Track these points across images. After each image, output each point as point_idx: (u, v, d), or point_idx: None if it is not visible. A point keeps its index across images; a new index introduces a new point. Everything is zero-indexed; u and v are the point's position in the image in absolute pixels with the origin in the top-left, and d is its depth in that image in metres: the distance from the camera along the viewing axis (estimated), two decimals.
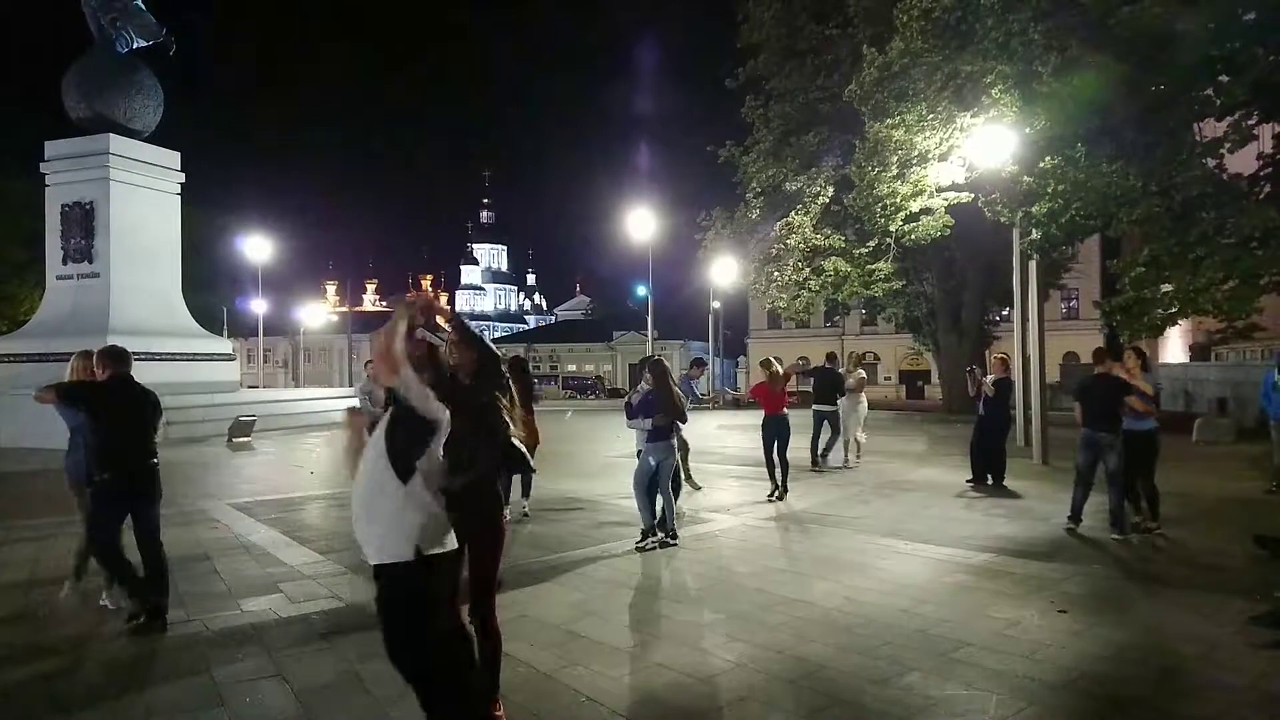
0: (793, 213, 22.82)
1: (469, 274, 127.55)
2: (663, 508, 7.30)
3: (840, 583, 5.91)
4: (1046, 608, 5.24)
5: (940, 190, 17.60)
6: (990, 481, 10.41)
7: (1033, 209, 13.38)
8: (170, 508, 8.56)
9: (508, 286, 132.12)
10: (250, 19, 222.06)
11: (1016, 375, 13.47)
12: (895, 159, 17.30)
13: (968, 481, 10.51)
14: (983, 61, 13.71)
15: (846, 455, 12.64)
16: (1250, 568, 6.26)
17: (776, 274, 24.08)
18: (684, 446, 10.29)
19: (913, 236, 19.14)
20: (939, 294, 26.90)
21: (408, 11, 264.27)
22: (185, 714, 3.76)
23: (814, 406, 12.35)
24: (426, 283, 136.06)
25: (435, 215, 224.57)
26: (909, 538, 7.43)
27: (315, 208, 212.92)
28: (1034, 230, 13.67)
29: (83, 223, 19.02)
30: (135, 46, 20.21)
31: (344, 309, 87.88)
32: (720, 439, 16.93)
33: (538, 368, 69.75)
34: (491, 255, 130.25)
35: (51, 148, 19.48)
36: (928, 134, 16.26)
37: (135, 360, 5.30)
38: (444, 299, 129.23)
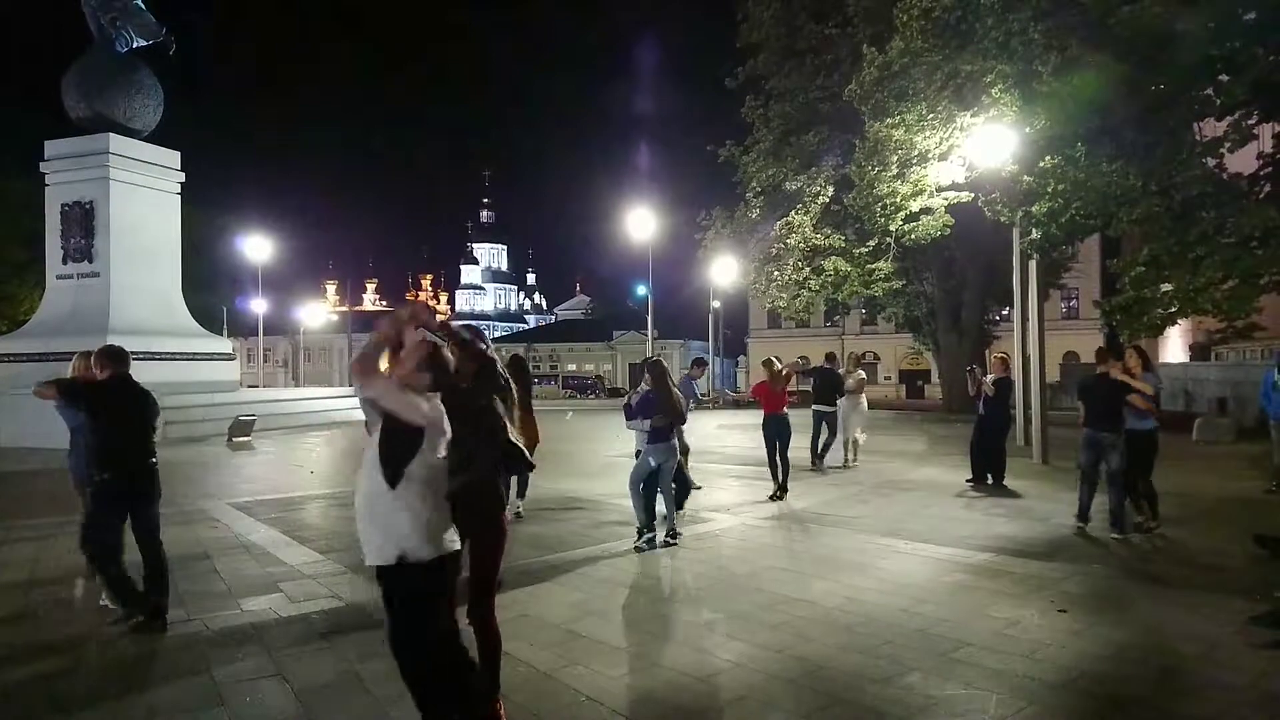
0: (793, 212, 22.82)
1: (469, 273, 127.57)
2: (664, 508, 7.31)
3: (840, 582, 5.91)
4: (1046, 607, 5.24)
5: (940, 190, 17.59)
6: (990, 481, 10.41)
7: (1033, 208, 13.38)
8: (170, 507, 8.56)
9: (508, 286, 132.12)
10: (250, 19, 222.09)
11: (1016, 375, 13.47)
12: (895, 158, 17.30)
13: (967, 481, 10.51)
14: (983, 61, 13.71)
15: (846, 455, 12.64)
16: (1250, 567, 6.26)
17: (776, 273, 24.09)
18: (685, 450, 10.30)
19: (913, 236, 19.14)
20: (939, 294, 26.90)
21: (408, 11, 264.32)
22: (185, 714, 3.76)
23: (813, 407, 12.36)
24: (426, 282, 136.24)
25: (435, 215, 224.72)
26: (909, 537, 7.43)
27: (315, 208, 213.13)
28: (1034, 230, 13.68)
29: (83, 222, 19.02)
30: (135, 46, 20.20)
31: (344, 309, 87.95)
32: (720, 439, 16.93)
33: (538, 367, 69.75)
34: (491, 255, 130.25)
35: (51, 147, 19.47)
36: (928, 133, 16.26)
37: (135, 360, 5.30)
38: (443, 299, 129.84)
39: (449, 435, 2.95)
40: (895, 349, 53.62)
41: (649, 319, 27.17)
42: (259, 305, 35.56)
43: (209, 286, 35.90)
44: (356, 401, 3.09)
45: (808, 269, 23.61)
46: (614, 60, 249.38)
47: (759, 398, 9.87)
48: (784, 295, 24.67)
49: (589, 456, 14.57)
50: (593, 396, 53.95)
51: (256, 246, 33.78)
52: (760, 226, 24.37)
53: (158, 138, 20.53)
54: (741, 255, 26.25)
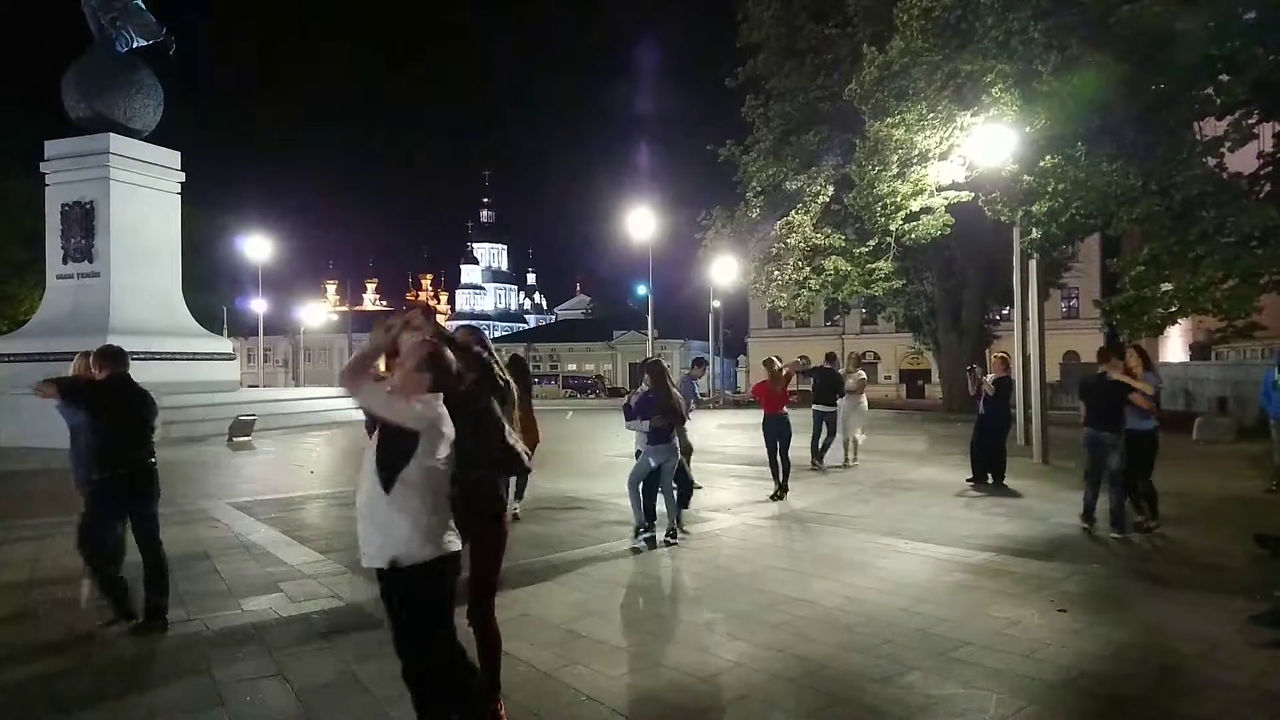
0: (793, 212, 22.83)
1: (469, 273, 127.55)
2: (665, 508, 7.31)
3: (840, 582, 5.91)
4: (1046, 607, 5.24)
5: (940, 189, 17.60)
6: (990, 480, 10.41)
7: (1033, 208, 13.38)
8: (170, 507, 8.57)
9: (508, 286, 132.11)
10: (250, 19, 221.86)
11: (1017, 374, 13.47)
12: (895, 158, 17.30)
13: (968, 480, 10.51)
14: (983, 60, 13.71)
15: (846, 455, 12.64)
16: (1250, 567, 6.26)
17: (776, 273, 24.09)
18: (689, 449, 10.30)
19: (913, 235, 19.14)
20: (939, 293, 26.90)
21: (408, 11, 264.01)
22: (185, 714, 3.76)
23: (813, 407, 12.36)
24: (427, 282, 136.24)
25: (435, 215, 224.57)
26: (909, 537, 7.43)
27: (315, 208, 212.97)
28: (1034, 229, 13.68)
29: (83, 222, 19.02)
30: (135, 46, 20.21)
31: (344, 308, 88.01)
32: (720, 439, 16.92)
33: (538, 367, 69.75)
34: (491, 255, 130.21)
35: (51, 147, 19.48)
36: (928, 133, 16.26)
37: (135, 360, 5.30)
38: (444, 299, 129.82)
39: (450, 437, 2.94)
40: (895, 348, 53.61)
41: (649, 319, 27.17)
42: (259, 305, 35.58)
43: (209, 286, 35.91)
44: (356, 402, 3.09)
45: (808, 268, 23.62)
46: (614, 60, 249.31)
47: (759, 397, 9.87)
48: (784, 295, 24.67)
49: (589, 456, 14.57)
50: (593, 396, 53.95)
51: (256, 246, 33.79)
52: (760, 226, 24.38)
53: (158, 138, 20.54)
54: (741, 255, 26.26)
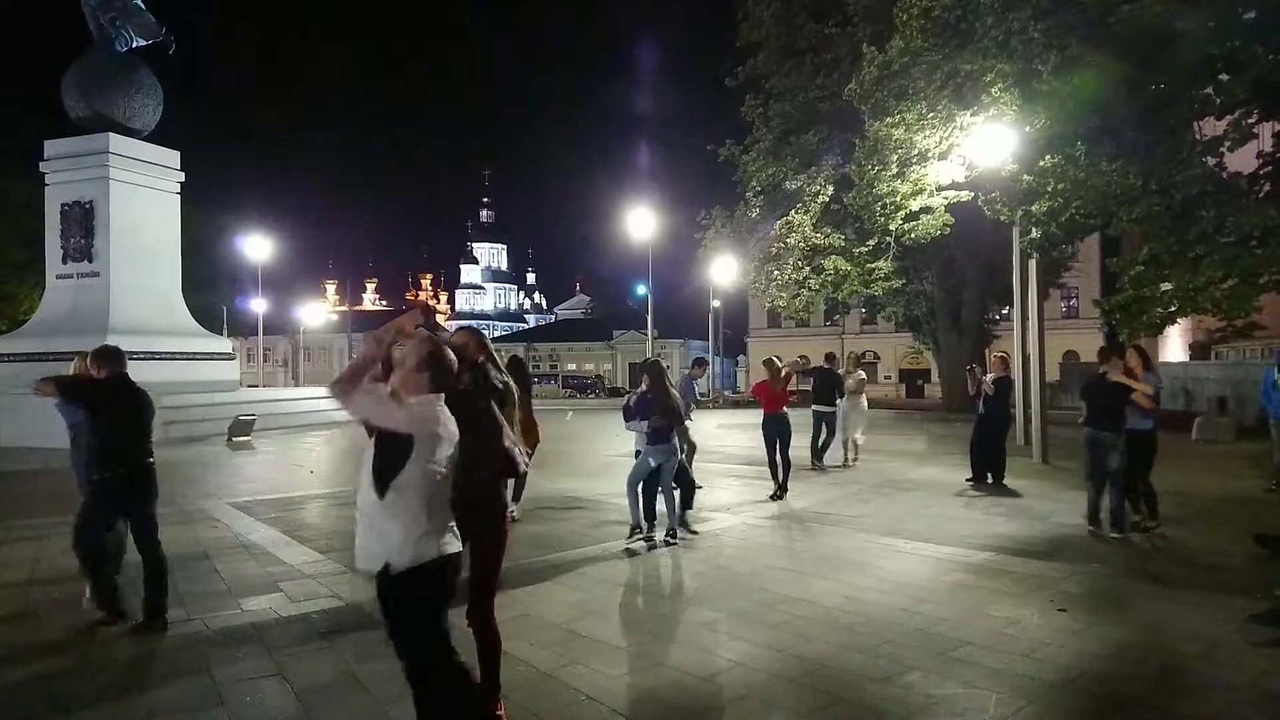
0: (793, 211, 22.82)
1: (469, 273, 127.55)
2: (664, 508, 7.31)
3: (840, 581, 5.91)
4: (1046, 606, 5.25)
5: (940, 189, 17.58)
6: (990, 480, 10.41)
7: (1032, 208, 13.37)
8: (170, 507, 8.57)
9: (508, 286, 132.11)
10: (250, 19, 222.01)
11: (1016, 374, 13.47)
12: (895, 158, 17.29)
13: (967, 480, 10.51)
14: (982, 60, 13.70)
15: (845, 455, 12.64)
16: (1250, 566, 6.26)
17: (776, 273, 24.08)
18: (692, 447, 10.30)
19: (912, 235, 19.13)
20: (939, 293, 26.90)
21: (408, 11, 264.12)
22: (185, 714, 3.76)
23: (813, 407, 12.36)
24: (426, 282, 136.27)
25: (435, 215, 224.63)
26: (909, 536, 7.43)
27: (315, 208, 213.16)
28: (1034, 229, 13.67)
29: (82, 222, 19.00)
30: (135, 46, 20.19)
31: (344, 308, 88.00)
32: (720, 439, 16.92)
33: (537, 367, 69.77)
34: (491, 254, 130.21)
35: (51, 147, 19.46)
36: (927, 133, 16.25)
37: (135, 360, 5.31)
38: (444, 298, 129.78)
39: (452, 438, 2.93)
40: (895, 348, 53.62)
41: (649, 318, 27.16)
42: (259, 305, 35.57)
43: (209, 286, 35.89)
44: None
45: (807, 268, 23.61)
46: (614, 60, 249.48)
47: (759, 397, 9.88)
48: (784, 294, 24.66)
49: (589, 456, 14.57)
50: (593, 396, 53.95)
51: (256, 246, 33.77)
52: (760, 226, 24.37)
53: (157, 137, 20.52)
54: (741, 255, 26.25)
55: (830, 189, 22.16)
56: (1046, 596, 5.47)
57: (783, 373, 9.73)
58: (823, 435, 12.32)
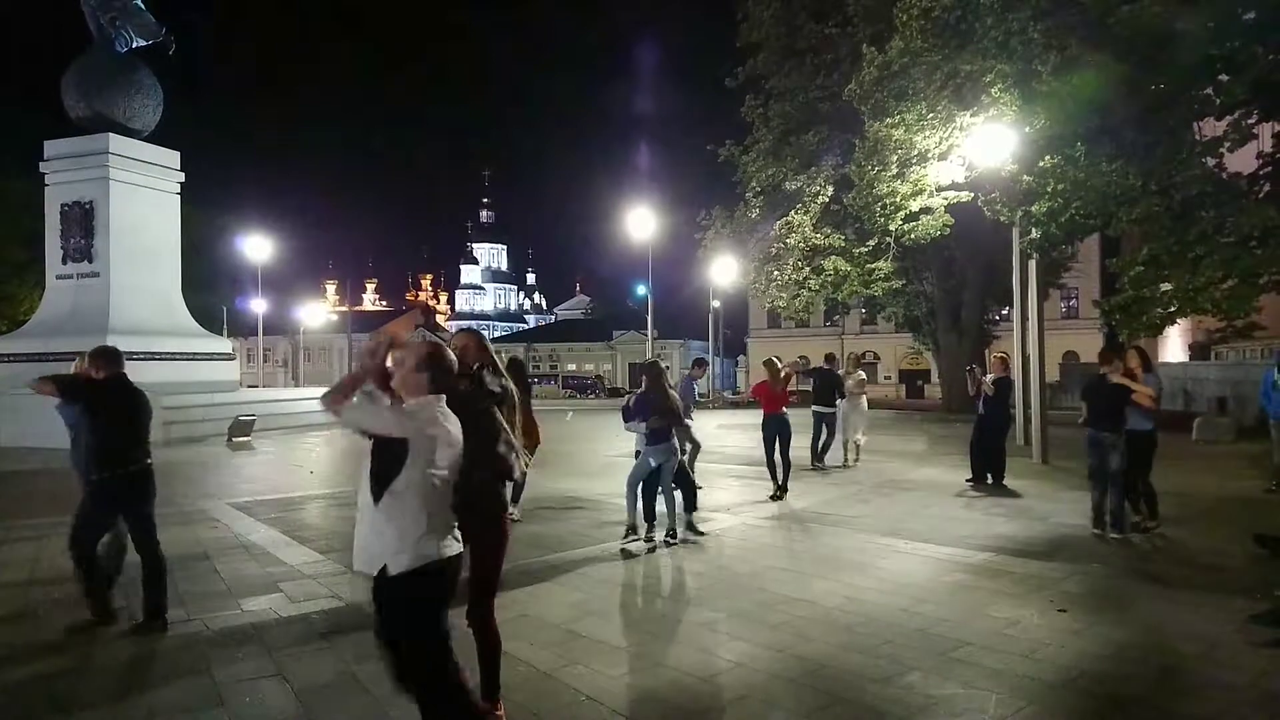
0: (792, 212, 22.82)
1: (469, 273, 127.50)
2: (663, 508, 7.30)
3: (840, 582, 5.92)
4: (1046, 607, 5.25)
5: (940, 189, 17.59)
6: (990, 481, 10.41)
7: (1032, 208, 13.38)
8: (170, 507, 8.58)
9: (508, 286, 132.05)
10: (250, 19, 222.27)
11: (1016, 374, 13.47)
12: (895, 158, 17.29)
13: (967, 481, 10.51)
14: (982, 60, 13.70)
15: (845, 455, 12.64)
16: (1250, 566, 6.26)
17: (776, 273, 24.08)
18: (696, 446, 10.31)
19: (912, 236, 19.13)
20: (939, 293, 26.90)
21: (408, 11, 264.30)
22: (185, 714, 3.76)
23: (813, 407, 12.36)
24: (426, 282, 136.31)
25: (435, 215, 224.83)
26: (909, 537, 7.43)
27: (315, 208, 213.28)
28: (1034, 229, 13.67)
29: (82, 222, 19.00)
30: (135, 46, 20.18)
31: (344, 308, 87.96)
32: (720, 439, 16.92)
33: (537, 367, 69.77)
34: (491, 255, 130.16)
35: (51, 147, 19.46)
36: (927, 133, 16.26)
37: (135, 360, 5.31)
38: (443, 299, 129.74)
39: (451, 438, 2.92)
40: (895, 349, 53.61)
41: (649, 319, 27.15)
42: (259, 305, 35.54)
43: (209, 286, 35.89)
44: (358, 397, 3.08)
45: (807, 269, 23.61)
46: (614, 60, 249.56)
47: (759, 398, 9.88)
48: (784, 295, 24.66)
49: (589, 456, 14.57)
50: (593, 396, 53.95)
51: (256, 246, 33.75)
52: (760, 226, 24.37)
53: (157, 138, 20.52)
54: (741, 255, 26.26)
55: (830, 189, 22.16)
56: (1046, 597, 5.47)
57: (782, 373, 9.73)
58: (823, 436, 12.33)
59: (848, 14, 22.29)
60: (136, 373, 5.19)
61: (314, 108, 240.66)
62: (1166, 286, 13.96)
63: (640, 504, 7.21)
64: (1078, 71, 12.33)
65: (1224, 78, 12.16)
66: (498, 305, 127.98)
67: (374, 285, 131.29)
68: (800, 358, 42.75)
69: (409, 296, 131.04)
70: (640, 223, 25.53)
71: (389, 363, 3.01)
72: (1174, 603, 5.37)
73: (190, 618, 5.13)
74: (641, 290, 44.25)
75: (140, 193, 19.62)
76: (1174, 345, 33.17)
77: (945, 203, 17.96)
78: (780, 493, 9.56)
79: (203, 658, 4.45)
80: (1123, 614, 5.16)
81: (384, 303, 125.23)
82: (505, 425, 3.52)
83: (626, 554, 6.91)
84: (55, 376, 5.07)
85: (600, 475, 11.74)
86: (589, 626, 4.98)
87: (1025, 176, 13.29)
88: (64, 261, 19.23)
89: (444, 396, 2.99)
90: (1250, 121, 12.76)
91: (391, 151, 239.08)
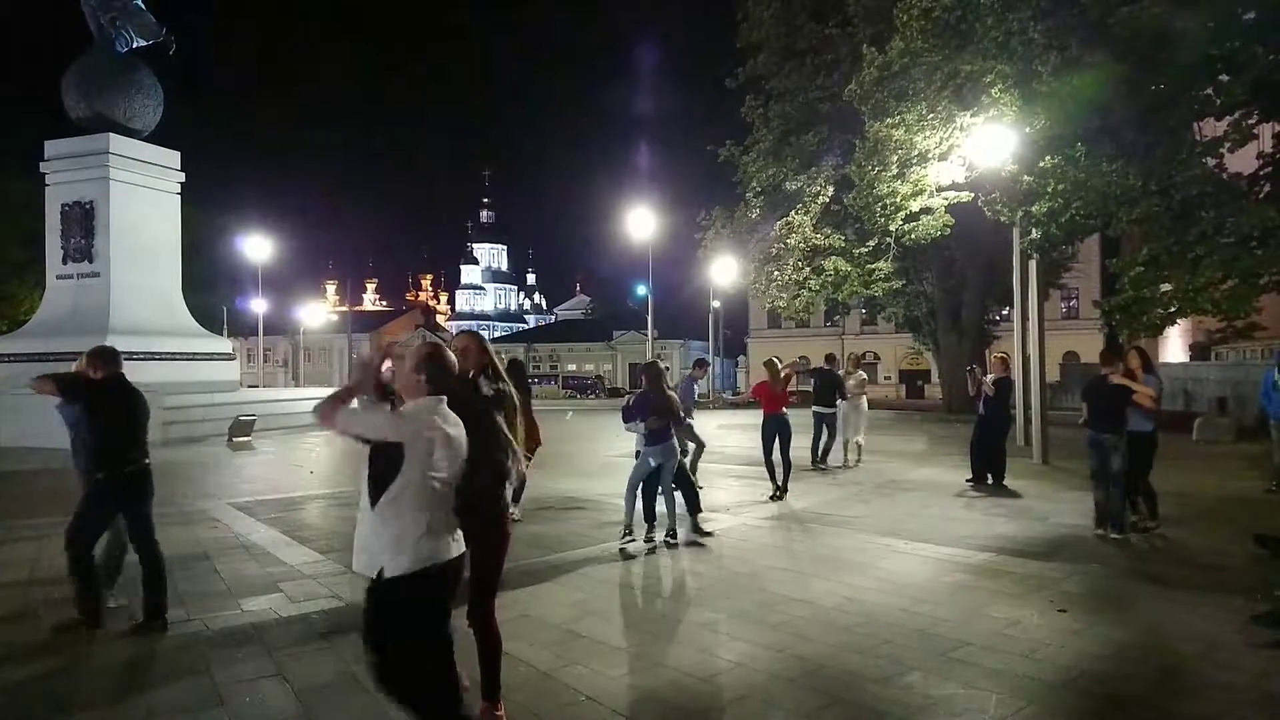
0: (793, 212, 22.82)
1: (469, 274, 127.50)
2: (664, 508, 7.30)
3: (840, 582, 5.92)
4: (1046, 607, 5.25)
5: (940, 190, 17.60)
6: (990, 481, 10.41)
7: (1033, 208, 13.38)
8: (170, 507, 8.58)
9: (508, 286, 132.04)
10: (250, 19, 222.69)
11: (1016, 375, 13.47)
12: (895, 158, 17.30)
13: (967, 481, 10.51)
14: (982, 61, 13.71)
15: (846, 456, 12.64)
16: (1250, 567, 6.26)
17: (776, 273, 24.08)
18: (701, 447, 10.32)
19: (913, 236, 19.14)
20: (939, 293, 26.90)
21: (408, 11, 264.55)
22: (185, 714, 3.76)
23: (813, 408, 12.36)
24: (427, 282, 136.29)
25: (435, 215, 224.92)
26: (909, 537, 7.43)
27: (315, 208, 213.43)
28: (1034, 229, 13.67)
29: (83, 222, 19.01)
30: (135, 46, 20.19)
31: (344, 308, 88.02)
32: (720, 439, 16.90)
33: (537, 367, 69.78)
34: (491, 255, 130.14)
35: (51, 147, 19.47)
36: (928, 133, 16.26)
37: (136, 360, 5.32)
38: (444, 299, 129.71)
39: (450, 440, 2.91)
40: (895, 349, 53.61)
41: (649, 319, 27.17)
42: (259, 305, 35.56)
43: (209, 286, 35.90)
44: (356, 404, 3.08)
45: (808, 269, 23.61)
46: (614, 60, 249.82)
47: (759, 398, 9.88)
48: (784, 295, 24.66)
49: (589, 456, 14.57)
50: (593, 397, 53.96)
51: (256, 246, 33.77)
52: (760, 226, 24.37)
53: (158, 138, 20.53)
54: (741, 255, 26.25)
55: (830, 190, 22.16)
56: (1046, 597, 5.47)
57: (782, 373, 9.74)
58: (823, 437, 12.33)
59: (848, 14, 22.29)
60: (137, 373, 5.19)
61: (314, 108, 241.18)
62: (1167, 287, 13.96)
63: (640, 505, 7.21)
64: (1078, 72, 12.33)
65: (1224, 78, 12.16)
66: (498, 305, 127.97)
67: (374, 285, 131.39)
68: (800, 358, 42.79)
69: (409, 296, 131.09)
70: (640, 223, 25.54)
71: (384, 373, 3.02)
72: (1174, 603, 5.37)
73: (190, 618, 5.13)
74: (641, 290, 44.32)
75: (140, 193, 19.63)
76: (1174, 346, 33.17)
77: (945, 203, 17.96)
78: (780, 493, 9.56)
79: (203, 658, 4.45)
80: (1123, 614, 5.16)
81: (384, 303, 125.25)
82: (504, 428, 3.52)
83: (626, 554, 6.91)
84: (55, 375, 5.07)
85: (600, 475, 11.74)
86: (589, 627, 4.98)
87: (1025, 177, 13.29)
88: (64, 261, 19.24)
89: (444, 398, 2.99)
90: (1250, 122, 12.76)
91: (391, 151, 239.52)
